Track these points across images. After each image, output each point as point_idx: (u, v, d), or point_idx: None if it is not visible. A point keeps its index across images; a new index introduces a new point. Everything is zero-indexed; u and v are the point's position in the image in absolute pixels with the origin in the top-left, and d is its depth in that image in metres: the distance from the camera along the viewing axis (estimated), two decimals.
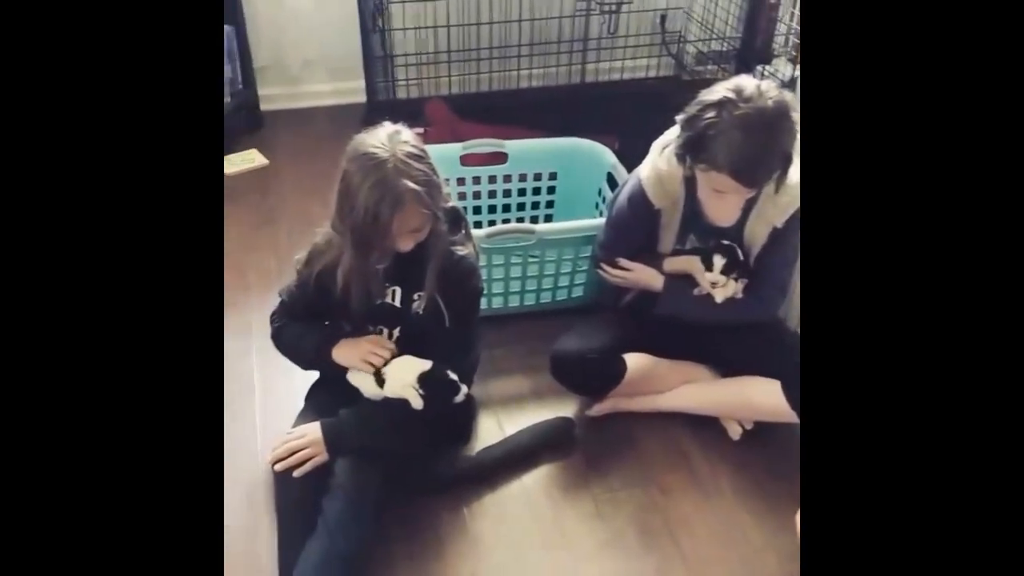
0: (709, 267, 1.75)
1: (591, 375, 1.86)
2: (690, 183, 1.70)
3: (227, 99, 2.95)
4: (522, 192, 2.46)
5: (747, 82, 1.52)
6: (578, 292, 2.23)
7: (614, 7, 3.13)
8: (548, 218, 2.50)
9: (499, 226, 2.03)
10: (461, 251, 1.62)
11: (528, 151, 2.40)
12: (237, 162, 2.93)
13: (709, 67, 3.27)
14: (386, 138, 1.45)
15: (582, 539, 1.69)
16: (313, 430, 1.59)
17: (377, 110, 2.87)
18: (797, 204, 1.62)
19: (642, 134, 1.89)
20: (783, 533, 1.69)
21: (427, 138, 2.46)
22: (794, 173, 1.58)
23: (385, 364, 1.61)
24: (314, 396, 1.77)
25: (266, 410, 1.94)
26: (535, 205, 2.49)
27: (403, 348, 1.65)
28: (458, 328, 1.66)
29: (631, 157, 1.99)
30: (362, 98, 3.19)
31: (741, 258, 1.75)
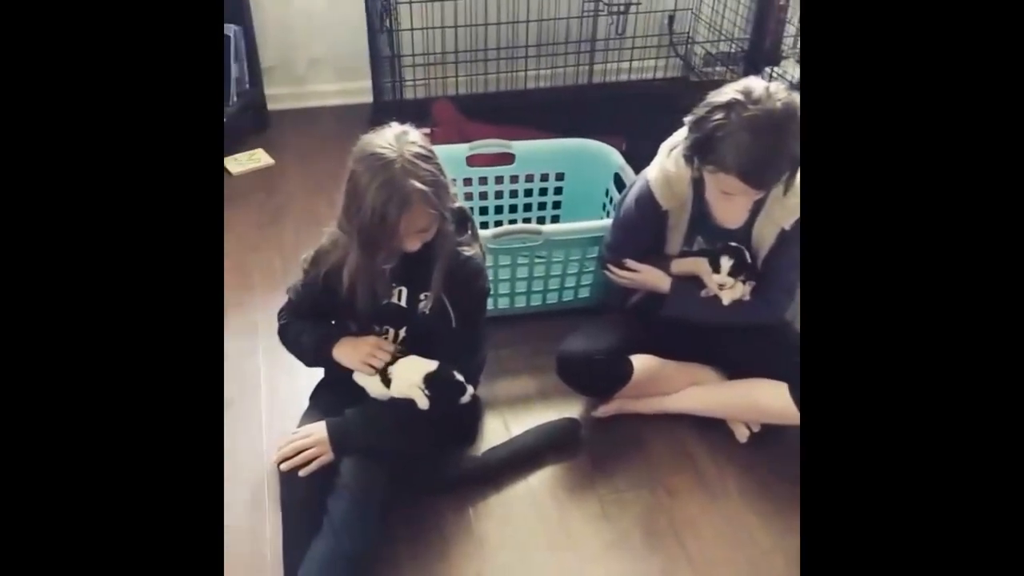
0: (717, 269, 1.75)
1: (597, 376, 1.85)
2: (698, 185, 1.70)
3: (234, 99, 2.96)
4: (529, 193, 2.46)
5: (756, 84, 1.52)
6: (585, 293, 2.23)
7: (622, 8, 3.13)
8: (555, 219, 2.50)
9: (506, 227, 2.03)
10: (468, 251, 1.62)
11: (535, 152, 2.39)
12: (243, 161, 2.93)
13: (717, 68, 3.26)
14: (393, 138, 1.45)
15: (588, 540, 1.69)
16: (319, 429, 1.59)
17: (384, 110, 2.87)
18: None
19: (650, 135, 1.89)
20: (790, 535, 1.69)
21: (434, 138, 2.46)
22: None
23: (389, 365, 1.61)
24: (320, 395, 1.77)
25: (272, 410, 1.95)
26: (542, 206, 2.49)
27: (409, 348, 1.65)
28: (464, 328, 1.65)
29: (638, 158, 1.99)
30: (369, 98, 3.19)
31: (749, 260, 1.75)
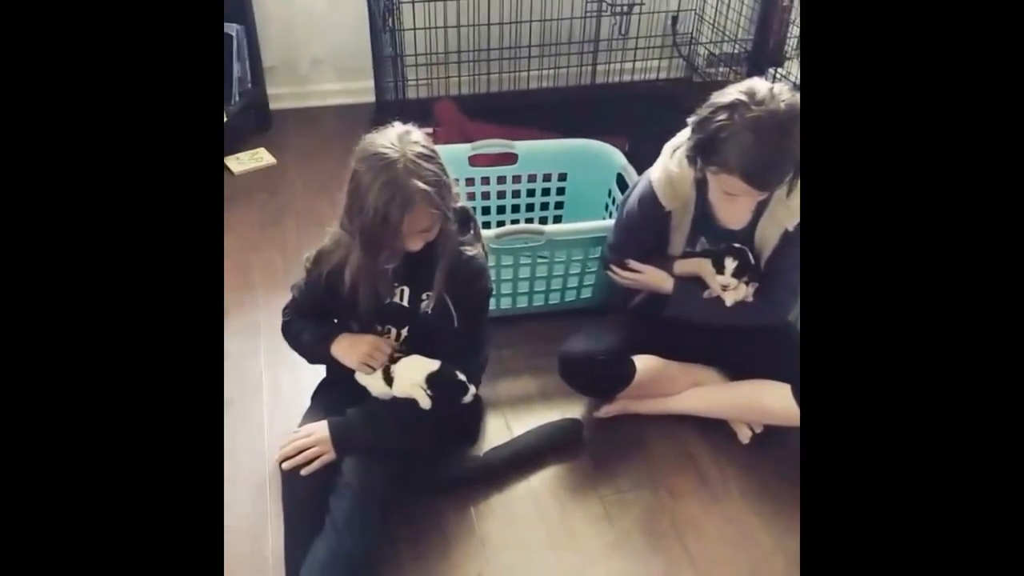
0: (720, 270, 1.74)
1: (600, 376, 1.85)
2: (701, 185, 1.70)
3: (236, 98, 2.96)
4: (531, 193, 2.46)
5: (759, 85, 1.51)
6: (587, 293, 2.23)
7: (625, 8, 3.12)
8: (557, 219, 2.50)
9: (508, 227, 2.02)
10: (470, 251, 1.61)
11: (538, 152, 2.39)
12: (245, 161, 2.93)
13: (720, 69, 3.26)
14: (396, 138, 1.45)
15: (589, 540, 1.69)
16: (320, 429, 1.59)
17: (386, 110, 2.87)
18: None
19: (653, 136, 1.89)
20: (791, 536, 1.68)
21: (436, 138, 2.45)
22: None
23: (391, 364, 1.61)
24: (321, 395, 1.77)
25: (273, 409, 1.94)
26: (544, 206, 2.49)
27: (411, 348, 1.65)
28: (467, 328, 1.65)
29: (641, 159, 1.99)
30: (371, 98, 3.20)
31: (752, 261, 1.75)
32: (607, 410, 1.94)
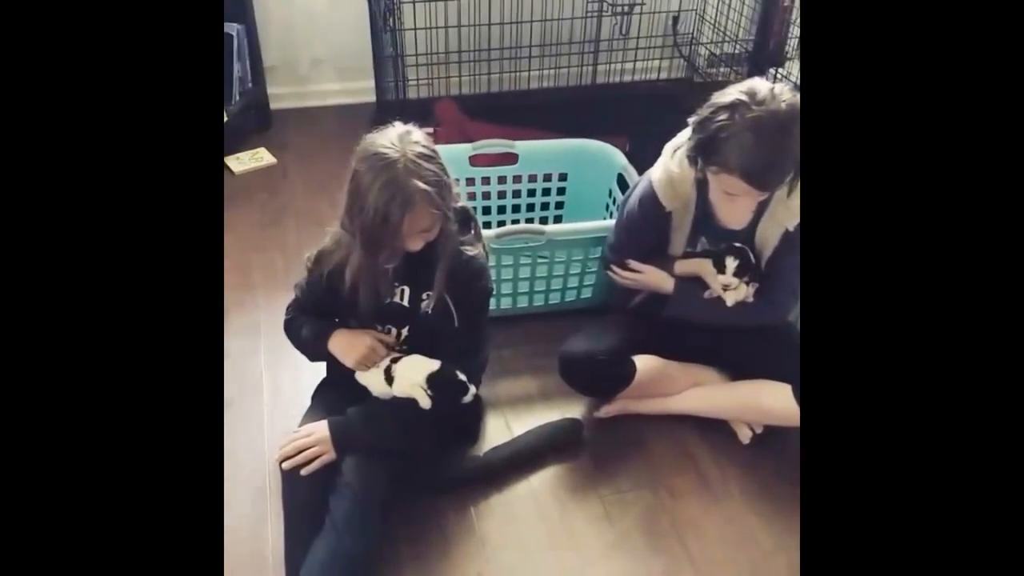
0: (721, 270, 1.74)
1: (600, 376, 1.85)
2: (701, 185, 1.70)
3: (236, 98, 2.96)
4: (532, 193, 2.46)
5: (760, 85, 1.51)
6: (587, 293, 2.23)
7: (626, 8, 3.12)
8: (558, 219, 2.50)
9: (509, 227, 2.02)
10: (471, 251, 1.61)
11: (538, 152, 2.39)
12: (245, 161, 2.93)
13: (721, 69, 3.26)
14: (397, 138, 1.45)
15: (589, 540, 1.69)
16: (320, 428, 1.59)
17: (386, 110, 2.87)
18: None
19: (653, 136, 1.89)
20: (792, 536, 1.68)
21: (436, 138, 2.45)
22: None
23: (392, 364, 1.61)
24: (321, 394, 1.77)
25: (273, 409, 1.94)
26: (545, 206, 2.49)
27: (412, 348, 1.65)
28: (467, 328, 1.65)
29: (642, 159, 1.99)
30: (371, 98, 3.20)
31: (753, 261, 1.75)
32: (607, 410, 1.94)
